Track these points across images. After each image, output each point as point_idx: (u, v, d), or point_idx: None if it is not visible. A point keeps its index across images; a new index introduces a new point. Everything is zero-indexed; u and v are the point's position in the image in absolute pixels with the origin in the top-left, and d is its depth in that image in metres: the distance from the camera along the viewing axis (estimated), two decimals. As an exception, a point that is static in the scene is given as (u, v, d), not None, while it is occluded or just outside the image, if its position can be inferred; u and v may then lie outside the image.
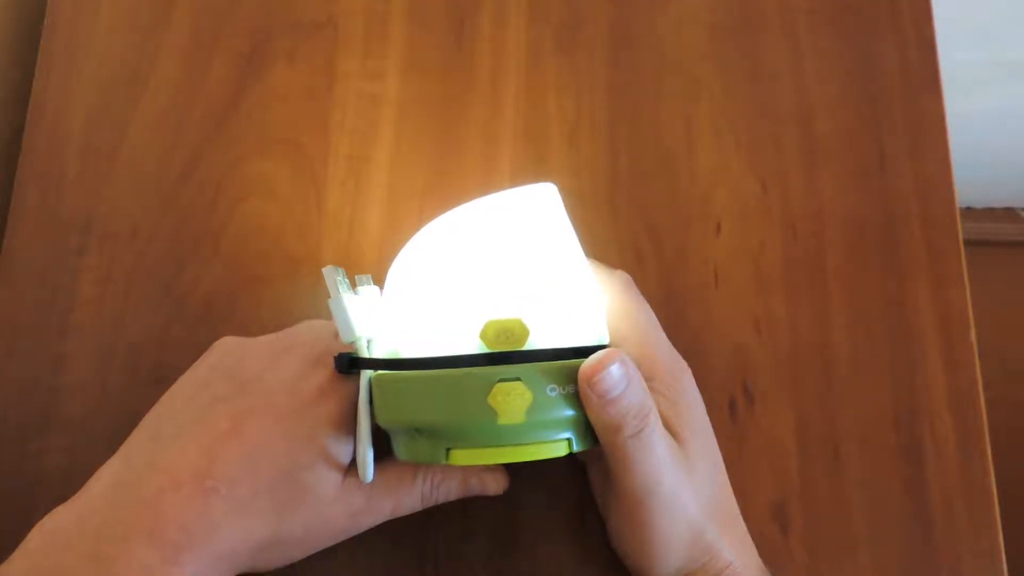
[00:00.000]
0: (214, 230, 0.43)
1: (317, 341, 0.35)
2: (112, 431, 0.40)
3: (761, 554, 0.36)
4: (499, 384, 0.30)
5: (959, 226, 0.44)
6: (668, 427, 0.33)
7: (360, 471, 0.33)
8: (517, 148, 0.45)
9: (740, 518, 0.36)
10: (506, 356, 0.30)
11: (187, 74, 0.46)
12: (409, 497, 0.35)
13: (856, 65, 0.46)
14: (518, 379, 0.30)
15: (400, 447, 0.33)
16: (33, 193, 0.44)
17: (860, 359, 0.42)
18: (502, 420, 0.30)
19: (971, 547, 0.39)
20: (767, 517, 0.39)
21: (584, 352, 0.32)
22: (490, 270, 0.32)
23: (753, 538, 0.36)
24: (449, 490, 0.36)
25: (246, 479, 0.31)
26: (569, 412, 0.31)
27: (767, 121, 0.45)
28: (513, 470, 0.37)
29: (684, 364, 0.36)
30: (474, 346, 0.31)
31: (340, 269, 0.34)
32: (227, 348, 0.35)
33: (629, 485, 0.32)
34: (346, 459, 0.33)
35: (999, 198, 1.20)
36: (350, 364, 0.33)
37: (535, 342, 0.31)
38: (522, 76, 0.46)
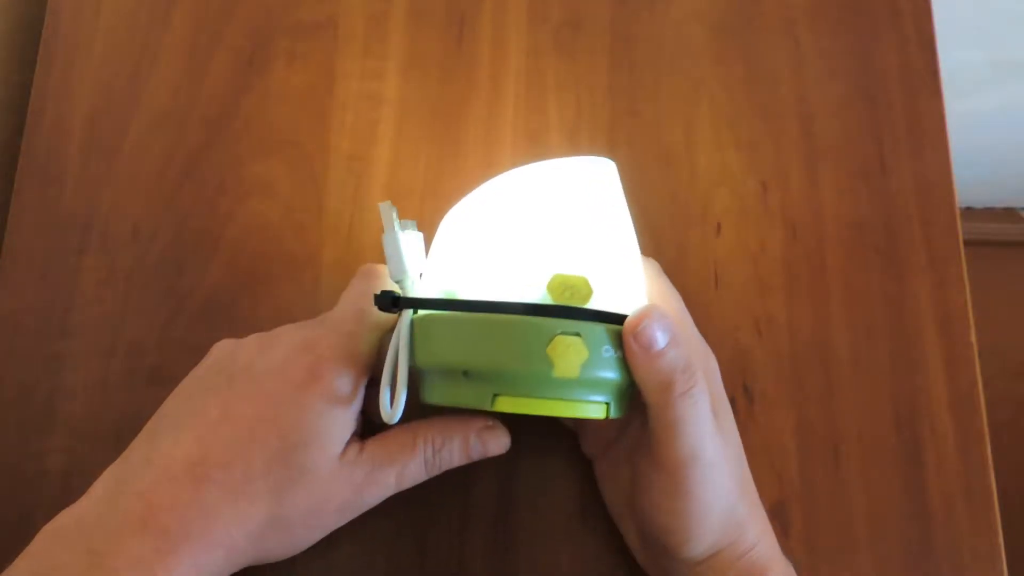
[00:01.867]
0: (214, 230, 0.43)
1: (304, 327, 0.35)
2: (112, 431, 0.40)
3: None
4: (559, 336, 0.30)
5: (959, 226, 0.44)
6: None
7: (385, 414, 0.32)
8: (517, 148, 0.45)
9: (761, 504, 0.36)
10: (569, 311, 0.31)
11: (187, 74, 0.46)
12: (411, 465, 0.34)
13: (856, 65, 0.46)
14: (578, 335, 0.30)
15: (435, 390, 0.33)
16: (33, 193, 0.44)
17: (860, 359, 0.42)
18: (557, 372, 0.30)
19: (971, 547, 0.39)
20: (767, 517, 0.39)
21: None
22: (553, 226, 0.32)
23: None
24: (452, 454, 0.35)
25: (239, 464, 0.31)
26: (615, 376, 0.31)
27: (767, 121, 0.45)
28: (512, 466, 0.37)
29: (710, 350, 0.37)
30: (536, 296, 0.31)
31: (394, 207, 0.35)
32: (221, 349, 0.36)
33: (675, 450, 0.32)
34: (341, 436, 0.33)
35: (999, 198, 1.20)
36: (393, 303, 0.33)
37: (595, 301, 0.31)
38: (522, 76, 0.46)
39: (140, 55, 0.46)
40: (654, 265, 0.39)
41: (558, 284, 0.31)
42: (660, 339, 0.31)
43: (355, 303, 0.35)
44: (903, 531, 0.39)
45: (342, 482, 0.33)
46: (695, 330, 0.37)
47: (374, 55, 0.46)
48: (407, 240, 0.35)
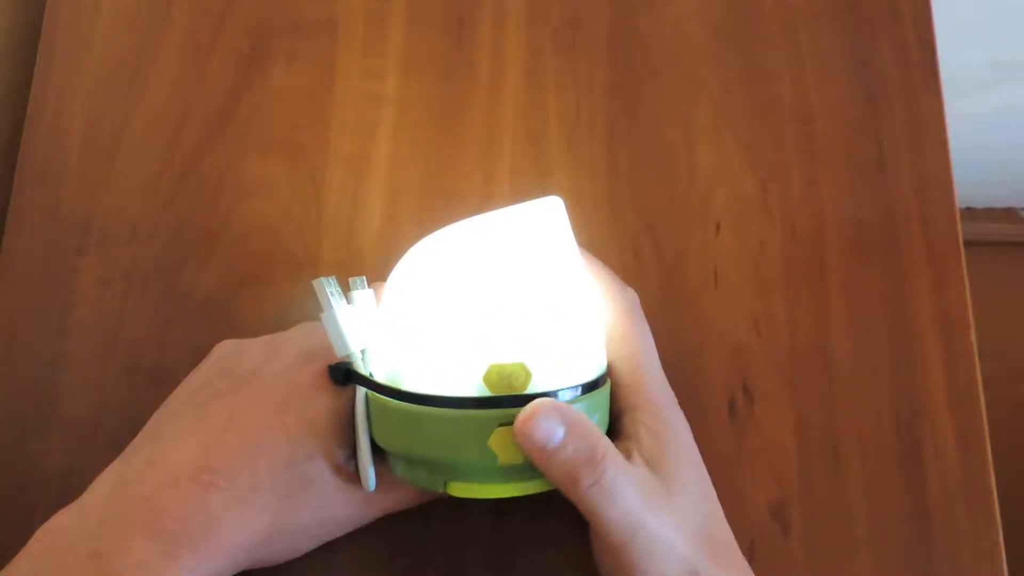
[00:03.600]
0: (214, 230, 0.43)
1: (312, 335, 0.35)
2: (112, 431, 0.40)
3: (761, 554, 0.36)
4: (500, 428, 0.30)
5: (959, 226, 0.44)
6: (649, 459, 0.32)
7: (363, 482, 0.33)
8: (517, 148, 0.45)
9: (736, 547, 0.34)
10: (508, 400, 0.30)
11: (187, 74, 0.46)
12: (411, 490, 0.35)
13: (856, 65, 0.46)
14: None
15: (398, 467, 0.33)
16: (33, 193, 0.44)
17: (860, 359, 0.42)
18: (502, 461, 0.30)
19: (971, 547, 0.39)
20: (767, 517, 0.39)
21: (584, 388, 0.32)
22: (493, 302, 0.31)
23: (753, 538, 0.36)
24: None
25: (246, 471, 0.31)
26: None
27: (767, 121, 0.45)
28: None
29: (673, 396, 0.36)
30: (475, 385, 0.31)
31: (332, 279, 0.33)
32: (225, 350, 0.35)
33: (605, 533, 0.30)
34: (348, 449, 0.33)
35: (999, 198, 1.20)
36: (345, 376, 0.33)
37: (535, 382, 0.31)
38: (522, 76, 0.46)
39: (140, 55, 0.46)
40: (630, 299, 0.37)
41: (495, 375, 0.30)
42: (553, 437, 0.29)
43: None
44: (903, 531, 0.39)
45: (346, 497, 0.33)
46: (659, 372, 0.36)
47: (374, 55, 0.46)
48: (350, 313, 0.33)
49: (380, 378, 0.33)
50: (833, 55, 0.47)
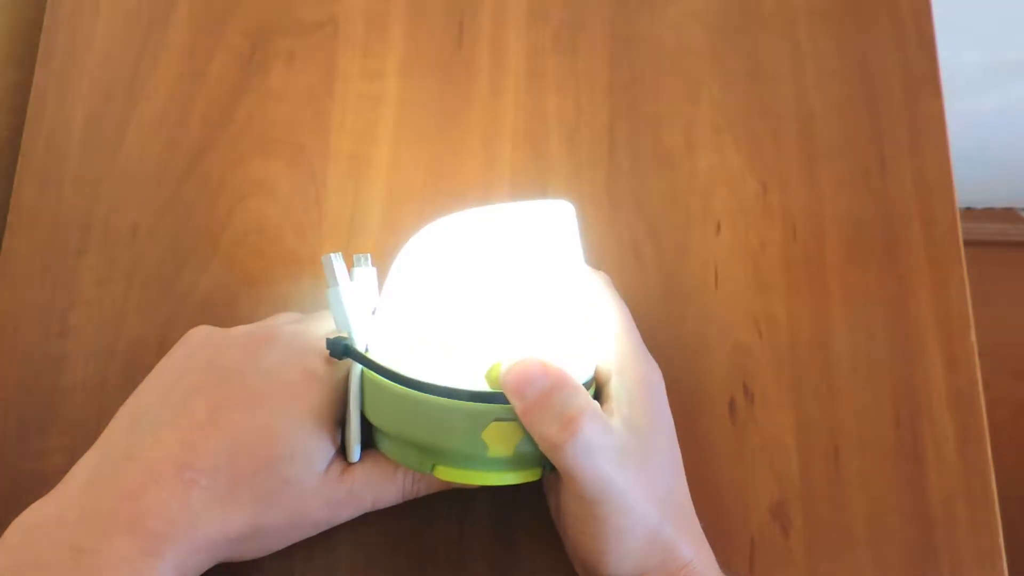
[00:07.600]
0: (214, 230, 0.43)
1: (299, 333, 0.35)
2: (112, 431, 0.40)
3: (761, 554, 0.36)
4: (495, 423, 0.31)
5: (959, 226, 0.44)
6: (630, 422, 0.33)
7: (348, 455, 0.33)
8: (517, 148, 0.45)
9: (696, 520, 0.35)
10: (505, 397, 0.31)
11: (187, 74, 0.46)
12: (389, 491, 0.35)
13: (856, 65, 0.46)
14: (514, 419, 0.31)
15: (386, 445, 0.34)
16: (33, 193, 0.44)
17: (860, 359, 0.42)
18: (491, 454, 0.31)
19: (971, 547, 0.39)
20: (767, 517, 0.39)
21: None
22: (500, 299, 0.32)
23: (753, 538, 0.36)
24: (430, 484, 0.36)
25: (226, 470, 0.31)
26: None
27: (767, 121, 0.45)
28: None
29: (656, 366, 0.36)
30: (474, 377, 0.31)
31: (339, 255, 0.34)
32: (203, 338, 0.35)
33: (579, 489, 0.31)
34: (326, 452, 0.33)
35: (999, 198, 1.20)
36: (344, 352, 0.33)
37: None
38: (522, 76, 0.46)
39: (140, 55, 0.46)
40: (603, 278, 0.38)
41: (497, 372, 0.31)
42: (535, 383, 0.30)
43: None
44: (903, 531, 0.39)
45: (321, 499, 0.33)
46: (640, 343, 0.36)
47: (374, 55, 0.46)
48: (354, 291, 0.34)
49: (378, 356, 0.33)
50: (833, 55, 0.47)
